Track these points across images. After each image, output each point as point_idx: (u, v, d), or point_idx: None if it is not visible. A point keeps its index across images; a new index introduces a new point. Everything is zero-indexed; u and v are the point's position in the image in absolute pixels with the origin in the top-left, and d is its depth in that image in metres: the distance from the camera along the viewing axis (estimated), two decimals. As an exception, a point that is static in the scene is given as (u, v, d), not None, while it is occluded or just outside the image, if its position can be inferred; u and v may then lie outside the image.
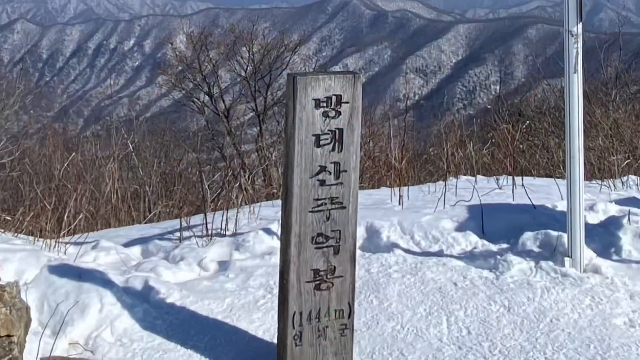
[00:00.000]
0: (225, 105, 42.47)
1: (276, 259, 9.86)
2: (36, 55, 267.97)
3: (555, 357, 8.40)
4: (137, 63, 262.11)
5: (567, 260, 10.42)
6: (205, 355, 8.53)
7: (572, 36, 9.90)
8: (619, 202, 13.61)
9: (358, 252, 9.56)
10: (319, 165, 7.41)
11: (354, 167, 7.61)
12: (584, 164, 10.45)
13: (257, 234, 11.91)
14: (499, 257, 10.81)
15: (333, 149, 7.39)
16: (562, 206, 12.59)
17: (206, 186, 18.37)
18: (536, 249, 11.01)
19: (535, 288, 9.98)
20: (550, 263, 10.49)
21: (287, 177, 7.46)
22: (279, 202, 10.58)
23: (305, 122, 7.23)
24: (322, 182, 7.46)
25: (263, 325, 9.15)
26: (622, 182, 15.92)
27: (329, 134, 7.35)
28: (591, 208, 12.87)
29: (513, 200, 13.94)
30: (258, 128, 40.35)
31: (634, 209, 12.76)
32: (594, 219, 12.31)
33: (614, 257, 10.85)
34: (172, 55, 51.21)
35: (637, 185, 15.49)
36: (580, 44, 9.96)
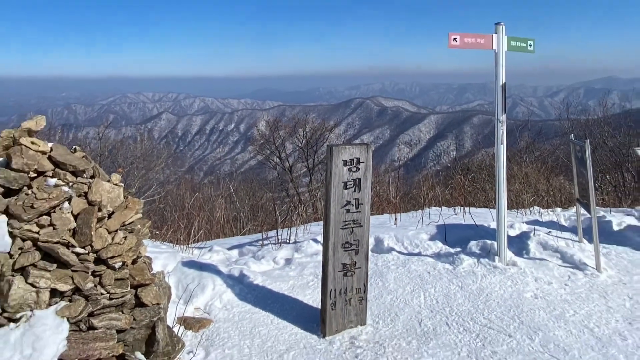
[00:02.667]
0: (289, 164, 43.24)
1: (320, 257, 9.96)
2: (174, 134, 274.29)
3: (490, 316, 8.52)
4: (235, 138, 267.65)
5: (496, 258, 10.50)
6: (278, 315, 8.65)
7: (499, 122, 9.97)
8: (528, 222, 13.65)
9: (370, 253, 9.63)
10: (346, 200, 7.68)
11: (367, 201, 7.86)
12: (507, 199, 10.51)
13: (309, 242, 12.01)
14: (455, 256, 10.87)
15: (354, 190, 7.67)
16: (493, 225, 12.69)
17: (277, 213, 18.67)
18: (477, 251, 11.05)
19: (477, 275, 10.02)
20: (486, 260, 10.55)
21: (327, 208, 7.68)
22: (322, 222, 10.65)
23: (338, 174, 7.51)
24: (348, 210, 7.72)
25: (312, 297, 9.23)
26: (530, 211, 15.98)
27: (352, 181, 7.66)
28: (511, 226, 12.92)
29: (464, 221, 13.98)
30: (309, 178, 41.09)
31: (537, 227, 12.84)
32: (513, 233, 12.36)
33: (525, 256, 10.88)
34: (257, 133, 52.13)
35: (539, 212, 15.53)
36: (504, 127, 10.03)
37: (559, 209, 16.23)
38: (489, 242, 11.31)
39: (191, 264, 10.32)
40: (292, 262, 11.16)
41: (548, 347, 7.57)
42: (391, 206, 17.82)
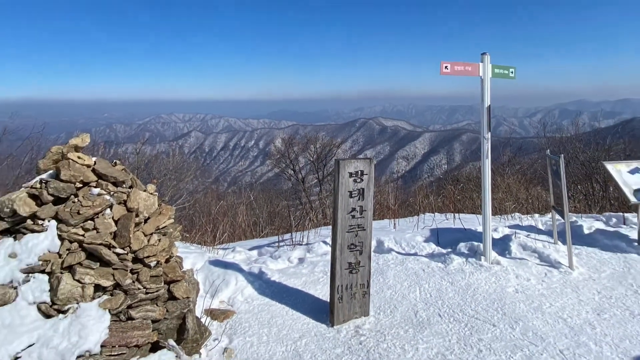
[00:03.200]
0: (302, 176, 43.45)
1: (329, 257, 10.05)
2: (202, 149, 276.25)
3: (477, 308, 8.53)
4: (254, 153, 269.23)
5: (482, 257, 10.48)
6: (292, 307, 8.68)
7: (485, 139, 9.95)
8: (510, 227, 13.62)
9: (372, 253, 9.64)
10: (352, 208, 7.71)
11: (370, 208, 7.88)
12: (491, 206, 10.51)
13: (319, 243, 12.03)
14: (446, 256, 10.85)
15: (359, 199, 7.69)
16: (480, 229, 12.71)
17: (292, 218, 18.70)
18: (466, 252, 11.03)
19: (465, 272, 10.00)
20: (474, 259, 10.54)
21: (335, 214, 7.72)
22: (330, 226, 10.66)
23: (344, 185, 7.55)
24: (353, 216, 7.74)
25: (322, 292, 9.24)
26: (511, 217, 15.93)
27: (356, 191, 7.68)
28: (495, 230, 12.90)
29: (454, 225, 13.97)
30: (319, 188, 41.33)
31: (517, 230, 12.83)
32: (497, 235, 12.33)
33: (507, 256, 10.86)
34: (274, 149, 52.47)
35: (519, 218, 15.51)
36: (489, 144, 10.01)
37: (537, 215, 16.21)
38: (475, 243, 11.31)
39: (216, 263, 10.43)
40: (305, 261, 11.17)
41: (527, 335, 7.59)
42: (390, 212, 17.85)
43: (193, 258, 10.35)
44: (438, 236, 12.51)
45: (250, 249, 12.55)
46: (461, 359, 6.98)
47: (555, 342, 7.38)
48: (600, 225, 13.53)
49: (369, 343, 7.50)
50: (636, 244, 11.69)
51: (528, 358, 6.92)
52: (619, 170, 12.09)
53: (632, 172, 12.06)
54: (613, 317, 8.23)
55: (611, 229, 13.00)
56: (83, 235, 6.19)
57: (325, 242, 12.21)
